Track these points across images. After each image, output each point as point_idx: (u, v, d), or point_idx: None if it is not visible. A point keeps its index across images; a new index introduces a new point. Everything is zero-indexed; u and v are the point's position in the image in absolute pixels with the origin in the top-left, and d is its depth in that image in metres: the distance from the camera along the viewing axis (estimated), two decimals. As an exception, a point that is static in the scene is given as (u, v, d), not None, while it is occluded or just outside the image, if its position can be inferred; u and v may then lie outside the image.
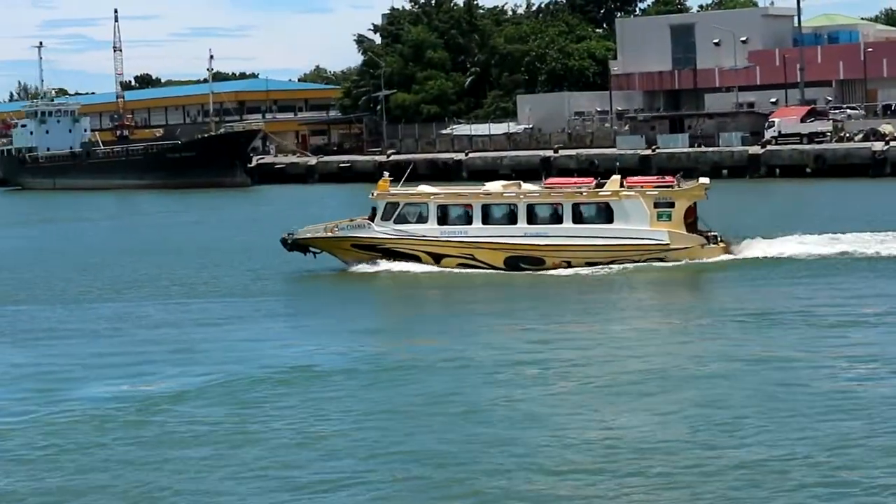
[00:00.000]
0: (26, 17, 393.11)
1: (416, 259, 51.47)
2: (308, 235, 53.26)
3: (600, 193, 50.51)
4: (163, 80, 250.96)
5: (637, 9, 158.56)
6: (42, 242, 77.31)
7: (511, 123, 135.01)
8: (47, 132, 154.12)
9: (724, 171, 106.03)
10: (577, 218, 50.20)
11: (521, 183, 54.96)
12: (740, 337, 34.78)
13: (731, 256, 49.95)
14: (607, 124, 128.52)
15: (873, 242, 51.13)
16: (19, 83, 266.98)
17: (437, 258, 51.30)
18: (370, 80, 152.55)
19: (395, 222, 51.84)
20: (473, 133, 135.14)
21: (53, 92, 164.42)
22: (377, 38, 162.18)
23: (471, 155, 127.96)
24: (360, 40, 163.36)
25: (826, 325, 36.00)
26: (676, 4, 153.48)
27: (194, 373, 32.02)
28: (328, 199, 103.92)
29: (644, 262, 49.31)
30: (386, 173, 55.78)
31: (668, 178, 52.85)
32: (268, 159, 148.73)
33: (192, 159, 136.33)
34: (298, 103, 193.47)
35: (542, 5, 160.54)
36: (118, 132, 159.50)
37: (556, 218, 50.39)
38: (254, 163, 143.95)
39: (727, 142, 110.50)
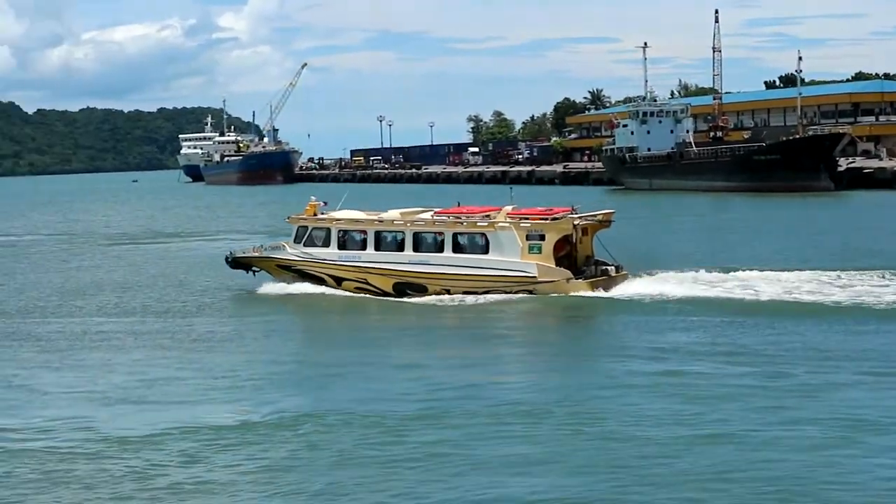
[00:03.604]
0: (728, 17, 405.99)
1: (322, 281, 54.04)
2: (243, 255, 57.82)
3: (477, 224, 51.04)
4: (807, 80, 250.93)
5: None
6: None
7: None
8: (648, 132, 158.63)
9: None
10: (457, 248, 51.20)
11: (435, 210, 55.13)
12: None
13: (593, 294, 48.40)
14: None
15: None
16: (680, 81, 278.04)
17: (338, 281, 53.65)
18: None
19: (305, 245, 54.74)
20: None
21: (656, 92, 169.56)
22: None
23: None
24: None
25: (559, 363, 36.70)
26: None
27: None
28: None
29: (514, 293, 49.14)
30: (313, 197, 57.58)
31: (555, 209, 51.96)
32: (857, 163, 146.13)
33: (776, 162, 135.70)
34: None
35: None
36: (712, 134, 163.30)
37: (439, 247, 51.51)
38: (843, 166, 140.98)
39: None
